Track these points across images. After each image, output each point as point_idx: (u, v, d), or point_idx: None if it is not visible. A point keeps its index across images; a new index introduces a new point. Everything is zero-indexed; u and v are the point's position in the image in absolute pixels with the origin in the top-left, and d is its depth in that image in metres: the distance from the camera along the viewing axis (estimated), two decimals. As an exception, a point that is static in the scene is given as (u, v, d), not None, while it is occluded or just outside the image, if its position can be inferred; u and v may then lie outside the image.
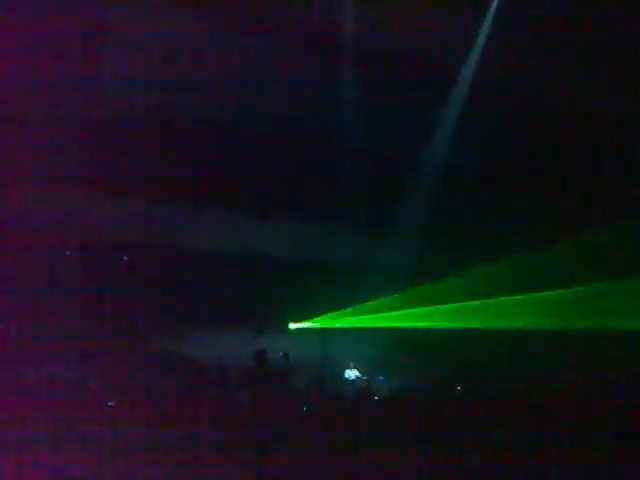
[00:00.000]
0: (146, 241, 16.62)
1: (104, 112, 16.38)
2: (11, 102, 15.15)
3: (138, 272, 16.96)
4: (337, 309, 18.23)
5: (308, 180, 17.66)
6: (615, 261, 16.80)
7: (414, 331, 17.86)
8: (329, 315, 18.31)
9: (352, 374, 16.74)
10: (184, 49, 16.80)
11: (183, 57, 16.85)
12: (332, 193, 18.04)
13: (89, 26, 16.02)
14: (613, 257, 16.89)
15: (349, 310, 18.23)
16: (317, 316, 18.36)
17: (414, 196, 18.64)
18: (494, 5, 17.71)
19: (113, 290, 16.57)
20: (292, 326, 18.44)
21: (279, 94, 17.10)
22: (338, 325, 18.31)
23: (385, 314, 18.16)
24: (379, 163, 17.72)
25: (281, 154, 17.60)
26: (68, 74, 15.67)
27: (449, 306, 17.83)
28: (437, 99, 18.29)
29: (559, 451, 9.77)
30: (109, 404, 10.35)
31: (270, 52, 17.00)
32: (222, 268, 17.32)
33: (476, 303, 17.66)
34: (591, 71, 16.65)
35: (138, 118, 16.46)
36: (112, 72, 16.45)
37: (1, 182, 15.04)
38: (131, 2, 16.15)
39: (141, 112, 16.50)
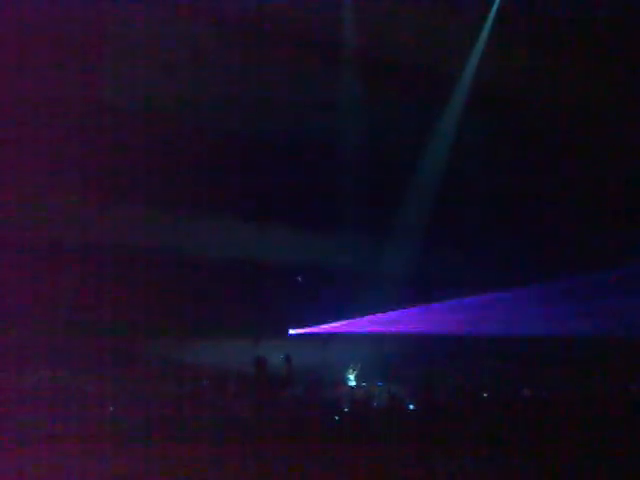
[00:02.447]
0: (145, 247, 16.61)
1: (104, 116, 16.39)
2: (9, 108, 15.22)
3: (137, 278, 16.94)
4: (336, 315, 18.22)
5: (308, 186, 17.66)
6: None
7: (413, 336, 17.85)
8: (328, 321, 18.29)
9: (352, 380, 16.73)
10: (184, 55, 16.82)
11: (183, 63, 16.86)
12: (333, 200, 18.03)
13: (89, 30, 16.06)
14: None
15: (349, 316, 18.22)
16: (316, 322, 18.35)
17: (418, 203, 18.60)
18: (493, 11, 17.77)
19: (112, 296, 16.54)
20: (291, 332, 18.44)
21: (276, 99, 17.13)
22: (338, 331, 18.29)
23: (383, 320, 18.17)
24: (380, 169, 17.73)
25: (280, 160, 17.59)
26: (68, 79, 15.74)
27: (449, 313, 17.85)
28: (437, 106, 18.33)
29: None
30: (110, 409, 10.37)
31: (268, 56, 17.05)
32: (221, 274, 17.33)
33: (477, 311, 17.67)
34: (595, 77, 16.68)
35: (138, 123, 16.46)
36: (113, 78, 16.49)
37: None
38: (131, 8, 16.20)
39: (141, 118, 16.50)
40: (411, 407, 12.88)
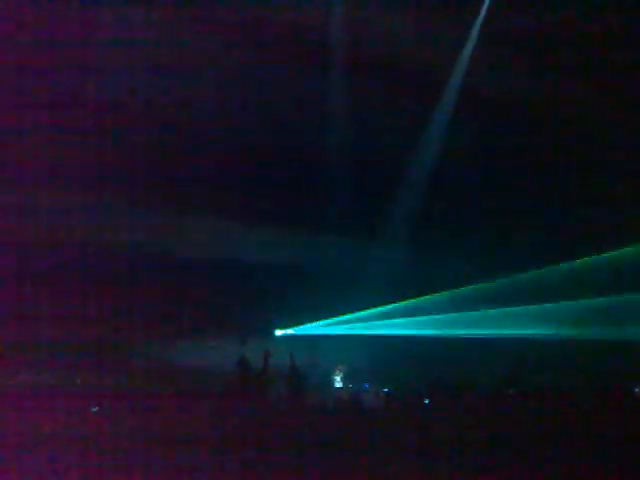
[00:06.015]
0: (130, 249, 16.56)
1: (101, 116, 16.38)
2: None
3: (123, 280, 16.85)
4: (323, 316, 18.16)
5: (294, 185, 17.63)
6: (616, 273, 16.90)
7: (400, 338, 17.84)
8: (315, 322, 18.24)
9: (338, 381, 16.65)
10: (180, 57, 16.78)
11: (179, 64, 16.83)
12: (320, 199, 17.99)
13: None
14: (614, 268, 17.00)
15: (335, 317, 18.17)
16: (303, 323, 18.30)
17: (405, 203, 18.62)
18: (482, 13, 17.79)
19: (99, 297, 16.45)
20: (278, 333, 18.37)
21: (267, 99, 17.11)
22: (324, 332, 18.24)
23: (372, 322, 18.14)
24: (369, 169, 17.72)
25: (266, 160, 17.53)
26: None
27: (436, 315, 17.86)
28: (426, 107, 18.35)
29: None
30: (93, 409, 10.27)
31: (259, 56, 17.01)
32: (207, 274, 17.26)
33: (464, 312, 17.70)
34: (582, 80, 16.76)
35: (133, 123, 16.45)
36: (111, 77, 16.47)
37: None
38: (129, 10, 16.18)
39: (136, 118, 16.48)
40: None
